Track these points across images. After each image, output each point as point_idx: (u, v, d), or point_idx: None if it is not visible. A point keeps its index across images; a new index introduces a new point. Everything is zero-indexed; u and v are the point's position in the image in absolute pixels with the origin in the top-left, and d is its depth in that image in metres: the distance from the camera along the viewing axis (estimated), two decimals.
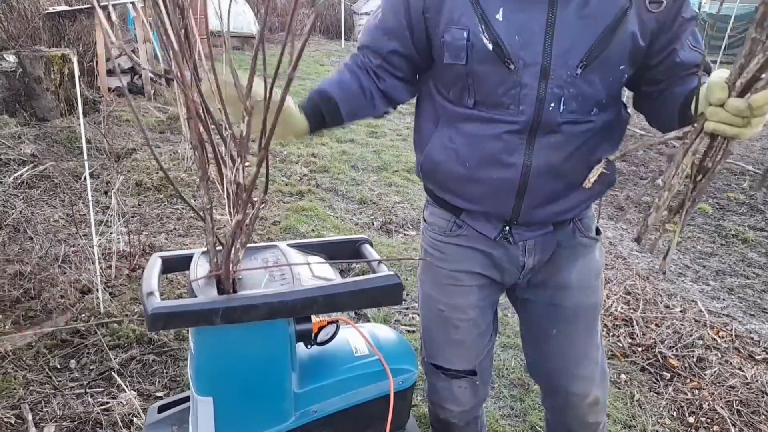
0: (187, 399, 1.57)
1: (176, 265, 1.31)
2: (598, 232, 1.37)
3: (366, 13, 12.98)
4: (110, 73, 6.12)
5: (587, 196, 1.25)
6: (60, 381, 2.12)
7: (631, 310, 2.87)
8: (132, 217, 3.38)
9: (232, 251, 1.11)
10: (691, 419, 2.20)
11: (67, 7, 6.04)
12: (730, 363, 2.50)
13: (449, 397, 1.46)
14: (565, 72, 1.07)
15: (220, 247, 1.13)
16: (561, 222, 1.29)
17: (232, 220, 1.06)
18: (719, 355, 2.55)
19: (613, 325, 2.76)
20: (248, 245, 1.24)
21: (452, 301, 1.36)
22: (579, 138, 1.15)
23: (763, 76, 0.83)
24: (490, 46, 1.08)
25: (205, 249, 1.21)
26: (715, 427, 2.15)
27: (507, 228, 1.27)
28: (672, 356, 2.53)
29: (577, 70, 1.08)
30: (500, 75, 1.10)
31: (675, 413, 2.24)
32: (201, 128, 0.97)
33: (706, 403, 2.25)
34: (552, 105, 1.10)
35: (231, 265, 1.12)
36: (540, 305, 1.38)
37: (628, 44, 1.08)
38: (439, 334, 1.41)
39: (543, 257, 1.32)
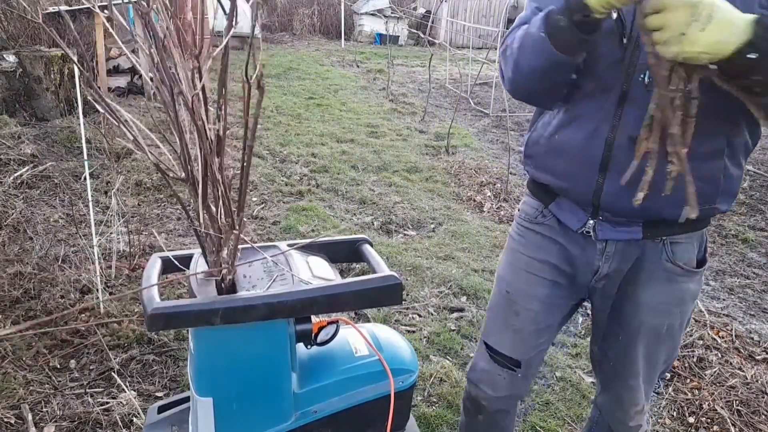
0: (187, 399, 1.57)
1: (176, 265, 1.31)
2: (700, 264, 1.28)
3: (366, 13, 12.98)
4: (110, 73, 6.12)
5: (683, 202, 1.07)
6: (60, 381, 2.12)
7: None
8: (132, 217, 3.38)
9: (226, 251, 1.10)
10: (691, 419, 2.19)
11: (67, 7, 6.03)
12: (730, 363, 2.50)
13: (487, 380, 1.45)
14: None
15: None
16: (649, 225, 1.21)
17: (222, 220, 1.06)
18: (719, 355, 2.55)
19: None
20: (248, 245, 1.24)
21: (521, 287, 1.37)
22: None
23: None
24: (614, 15, 1.06)
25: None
26: (715, 427, 2.15)
27: (591, 222, 1.25)
28: None
29: None
30: (611, 49, 1.10)
31: (675, 413, 2.24)
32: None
33: (706, 403, 2.25)
34: (642, 75, 1.09)
35: (229, 265, 1.12)
36: (610, 311, 1.36)
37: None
38: (500, 315, 1.42)
39: (620, 267, 1.28)
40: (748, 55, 0.88)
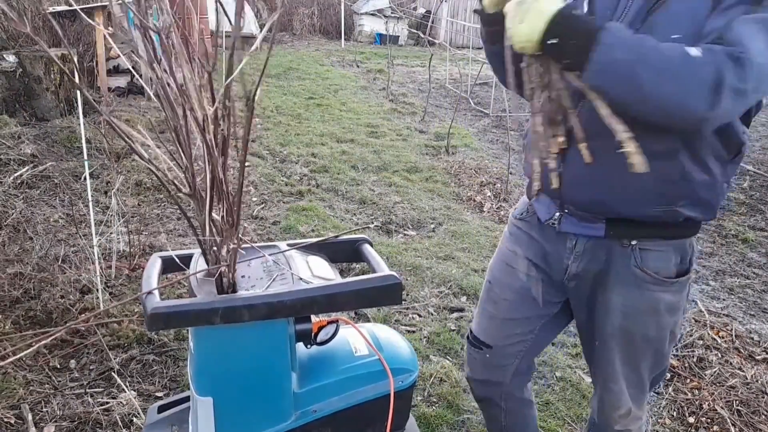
0: (187, 399, 1.58)
1: (176, 265, 1.32)
2: (681, 274, 1.26)
3: (366, 13, 12.97)
4: (110, 73, 6.12)
5: (639, 200, 1.16)
6: (60, 381, 2.12)
7: None
8: (132, 217, 3.38)
9: (224, 252, 1.10)
10: (691, 419, 2.19)
11: (67, 7, 6.03)
12: (730, 363, 2.50)
13: (468, 360, 1.59)
14: None
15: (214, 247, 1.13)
16: (612, 224, 1.23)
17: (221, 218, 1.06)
18: (719, 355, 2.55)
19: None
20: (248, 245, 1.24)
21: (500, 277, 1.46)
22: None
23: None
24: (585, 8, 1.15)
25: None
26: (715, 427, 2.15)
27: (558, 214, 1.29)
28: (672, 356, 2.53)
29: None
30: None
31: (675, 413, 2.24)
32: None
33: (706, 403, 2.25)
34: None
35: (229, 265, 1.12)
36: (583, 315, 1.39)
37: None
38: (481, 303, 1.53)
39: (588, 268, 1.30)
40: (549, 41, 0.96)
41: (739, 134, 1.14)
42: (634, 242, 1.24)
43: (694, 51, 0.95)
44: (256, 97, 0.91)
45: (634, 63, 0.95)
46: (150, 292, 1.13)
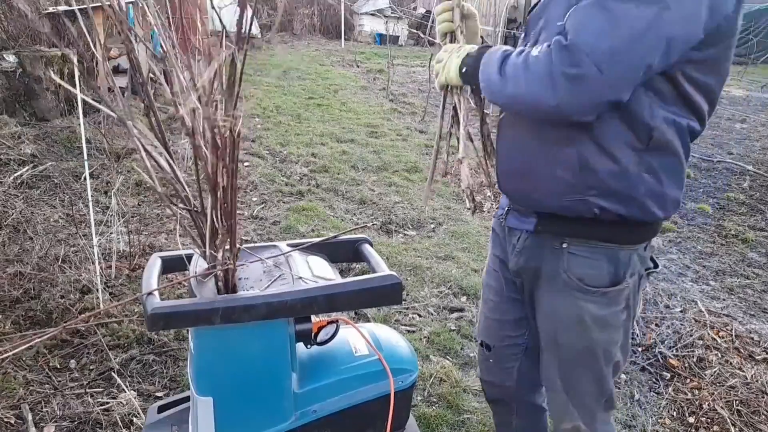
0: (187, 399, 1.57)
1: (176, 265, 1.32)
2: (612, 285, 1.21)
3: (366, 13, 12.97)
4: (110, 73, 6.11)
5: (553, 190, 1.18)
6: (60, 381, 2.12)
7: None
8: (132, 217, 3.38)
9: (222, 253, 1.10)
10: (691, 419, 2.19)
11: (67, 7, 6.03)
12: (730, 363, 2.50)
13: (478, 361, 1.63)
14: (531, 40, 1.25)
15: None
16: (542, 218, 1.25)
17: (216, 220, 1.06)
18: (719, 355, 2.55)
19: None
20: (248, 245, 1.24)
21: (486, 278, 1.53)
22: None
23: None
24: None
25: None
26: (715, 427, 2.15)
27: (507, 209, 1.37)
28: (672, 356, 2.53)
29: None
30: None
31: (675, 413, 2.24)
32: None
33: (706, 403, 2.25)
34: None
35: (229, 265, 1.12)
36: (531, 315, 1.41)
37: None
38: (480, 302, 1.58)
39: (526, 266, 1.32)
40: (462, 71, 1.25)
41: (644, 119, 1.09)
42: (564, 245, 1.22)
43: (535, 51, 1.07)
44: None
45: (497, 76, 1.13)
46: (150, 293, 1.13)
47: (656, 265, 1.29)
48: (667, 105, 1.09)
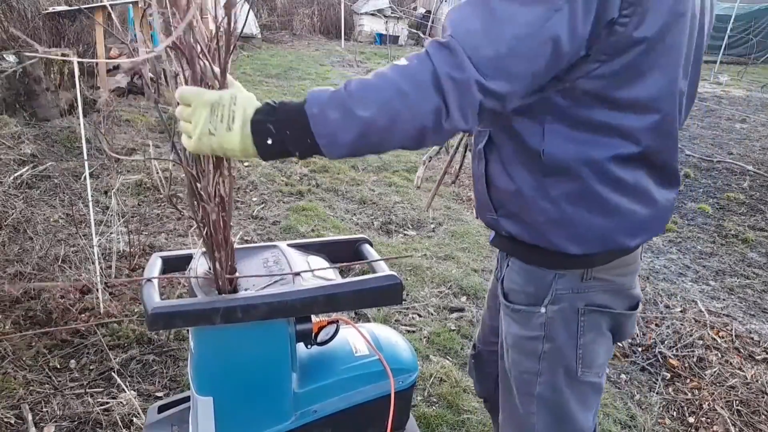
0: (187, 399, 1.57)
1: (176, 265, 1.32)
2: (530, 304, 1.13)
3: (366, 13, 12.97)
4: (110, 72, 6.12)
5: (482, 203, 1.15)
6: (60, 381, 2.12)
7: None
8: (132, 217, 3.38)
9: (223, 254, 1.10)
10: (691, 419, 2.19)
11: (67, 7, 6.04)
12: (730, 363, 2.50)
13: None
14: None
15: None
16: (510, 243, 1.16)
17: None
18: (719, 355, 2.55)
19: None
20: (248, 245, 1.24)
21: (489, 286, 1.48)
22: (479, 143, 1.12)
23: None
24: None
25: (204, 249, 1.21)
26: (715, 427, 2.15)
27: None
28: (672, 356, 2.53)
29: None
30: None
31: (675, 413, 2.24)
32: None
33: (706, 403, 2.25)
34: None
35: (229, 265, 1.12)
36: None
37: None
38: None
39: (497, 275, 1.28)
40: (265, 143, 0.89)
41: (533, 142, 0.99)
42: (508, 257, 1.18)
43: (403, 60, 0.87)
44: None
45: (351, 112, 0.84)
46: (150, 292, 1.13)
47: (635, 307, 1.15)
48: (570, 129, 0.96)
